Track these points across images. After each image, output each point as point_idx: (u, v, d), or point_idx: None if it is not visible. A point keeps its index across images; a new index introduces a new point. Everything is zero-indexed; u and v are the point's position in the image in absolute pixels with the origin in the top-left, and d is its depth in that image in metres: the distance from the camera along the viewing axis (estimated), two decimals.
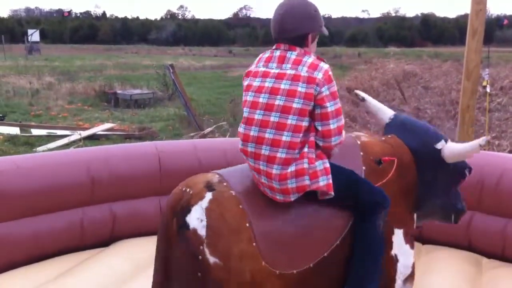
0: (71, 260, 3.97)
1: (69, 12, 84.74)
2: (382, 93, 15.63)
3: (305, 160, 2.45)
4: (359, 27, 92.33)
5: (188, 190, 2.50)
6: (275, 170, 2.44)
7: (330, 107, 2.46)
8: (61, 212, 4.03)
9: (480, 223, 4.12)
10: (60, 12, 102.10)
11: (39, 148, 9.31)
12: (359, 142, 2.89)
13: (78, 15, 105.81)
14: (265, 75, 2.53)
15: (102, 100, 16.59)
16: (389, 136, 3.05)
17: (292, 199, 2.49)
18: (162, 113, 14.19)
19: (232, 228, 2.38)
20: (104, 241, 4.24)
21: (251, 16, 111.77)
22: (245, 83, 2.62)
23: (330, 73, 2.51)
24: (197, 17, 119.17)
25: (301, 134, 2.44)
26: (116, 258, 3.99)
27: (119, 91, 16.58)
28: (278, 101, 2.44)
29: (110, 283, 3.61)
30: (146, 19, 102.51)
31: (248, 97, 2.55)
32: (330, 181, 2.49)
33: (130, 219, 4.30)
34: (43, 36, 56.79)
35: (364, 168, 2.78)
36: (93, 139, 10.57)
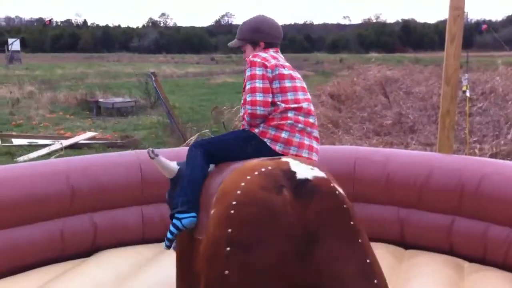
0: (52, 271, 3.91)
1: (50, 21, 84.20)
2: (365, 98, 15.73)
3: None
4: (341, 34, 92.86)
5: (262, 169, 2.27)
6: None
7: None
8: (41, 223, 3.98)
9: (461, 227, 4.15)
10: (40, 21, 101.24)
11: (20, 158, 9.21)
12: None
13: (59, 23, 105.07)
14: (286, 66, 3.12)
15: (84, 108, 16.47)
16: None
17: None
18: (145, 121, 14.12)
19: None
20: (86, 252, 4.19)
21: (233, 23, 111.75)
22: (285, 71, 3.07)
23: None
24: (179, 24, 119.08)
25: None
26: (98, 268, 3.95)
27: (101, 100, 16.47)
28: (299, 83, 3.12)
29: None
30: (128, 27, 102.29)
31: (297, 84, 3.10)
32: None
33: (112, 229, 4.26)
34: (23, 45, 56.36)
35: None
36: (75, 148, 10.48)
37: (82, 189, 4.13)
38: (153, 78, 12.08)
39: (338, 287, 2.09)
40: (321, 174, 2.29)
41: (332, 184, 2.25)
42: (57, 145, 10.24)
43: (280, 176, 2.20)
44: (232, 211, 2.11)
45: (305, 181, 2.20)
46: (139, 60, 50.77)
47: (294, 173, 2.23)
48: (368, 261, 2.15)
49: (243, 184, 2.19)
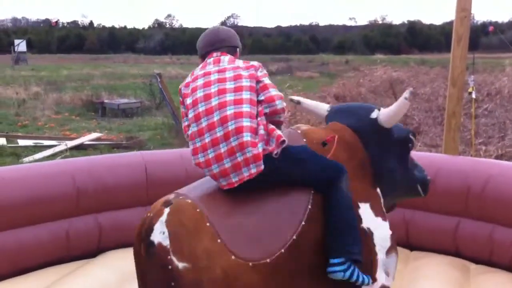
0: (57, 272, 3.93)
1: (57, 22, 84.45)
2: (370, 100, 15.69)
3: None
4: (346, 35, 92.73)
5: (149, 214, 2.55)
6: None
7: (266, 80, 2.80)
8: (47, 224, 4.00)
9: (467, 229, 4.14)
10: (47, 22, 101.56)
11: (25, 159, 9.24)
12: (299, 132, 2.99)
13: (65, 24, 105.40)
14: (206, 74, 2.82)
15: (89, 109, 16.52)
16: (328, 124, 3.17)
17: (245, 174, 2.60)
18: (150, 122, 14.15)
19: (191, 230, 2.42)
20: (91, 252, 4.21)
21: (239, 24, 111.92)
22: (188, 90, 2.83)
23: None
24: (184, 25, 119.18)
25: (255, 107, 2.70)
26: (103, 269, 3.96)
27: (106, 101, 16.51)
28: (229, 85, 2.73)
29: None
30: (134, 28, 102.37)
31: (198, 94, 2.75)
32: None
33: (117, 229, 4.27)
34: (30, 46, 56.53)
35: None
36: (80, 149, 10.51)
37: (87, 190, 4.15)
38: (159, 79, 12.11)
39: None
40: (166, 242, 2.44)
41: (168, 257, 2.40)
42: (62, 146, 10.27)
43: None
44: None
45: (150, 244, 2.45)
46: (145, 61, 50.88)
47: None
48: None
49: None
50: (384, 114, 3.01)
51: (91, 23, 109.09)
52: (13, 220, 3.84)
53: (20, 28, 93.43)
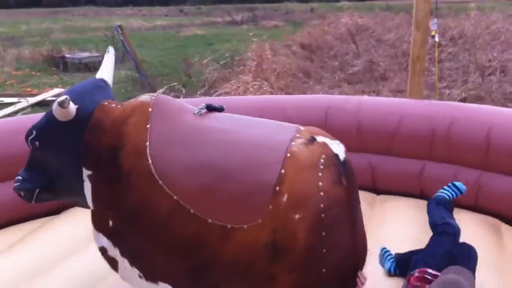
0: (24, 229, 3.88)
1: None
2: (336, 47, 15.63)
3: None
4: None
5: (322, 160, 2.40)
6: None
7: None
8: (8, 182, 3.90)
9: (432, 171, 4.20)
10: None
11: None
12: None
13: None
14: None
15: (51, 65, 16.06)
16: None
17: None
18: (114, 76, 13.82)
19: None
20: (54, 210, 4.15)
21: None
22: None
23: None
24: None
25: None
26: (71, 225, 3.92)
27: (67, 55, 16.05)
28: None
29: (69, 248, 3.58)
30: None
31: None
32: None
33: None
34: None
35: None
36: (42, 105, 10.26)
37: None
38: (120, 32, 11.80)
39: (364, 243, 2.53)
40: (343, 147, 2.41)
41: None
42: (24, 103, 10.02)
43: (337, 165, 2.32)
44: (323, 215, 2.21)
45: (345, 162, 2.35)
46: (106, 14, 49.44)
47: (337, 156, 2.35)
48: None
49: (320, 184, 2.24)
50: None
51: None
52: None
53: None
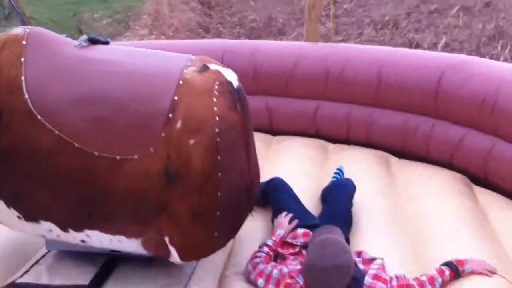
0: None
1: None
2: (236, 4, 15.51)
3: None
4: None
5: (216, 87, 2.34)
6: None
7: None
8: None
9: (326, 111, 4.27)
10: None
11: None
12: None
13: None
14: None
15: None
16: None
17: None
18: None
19: None
20: None
21: None
22: None
23: None
24: None
25: None
26: None
27: None
28: None
29: None
30: None
31: None
32: None
33: None
34: None
35: None
36: None
37: None
38: None
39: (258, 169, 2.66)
40: (235, 75, 2.42)
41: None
42: None
43: (231, 92, 2.31)
44: (218, 139, 2.17)
45: (239, 90, 2.35)
46: None
47: (231, 83, 2.34)
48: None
49: (215, 109, 2.20)
50: None
51: None
52: None
53: None
